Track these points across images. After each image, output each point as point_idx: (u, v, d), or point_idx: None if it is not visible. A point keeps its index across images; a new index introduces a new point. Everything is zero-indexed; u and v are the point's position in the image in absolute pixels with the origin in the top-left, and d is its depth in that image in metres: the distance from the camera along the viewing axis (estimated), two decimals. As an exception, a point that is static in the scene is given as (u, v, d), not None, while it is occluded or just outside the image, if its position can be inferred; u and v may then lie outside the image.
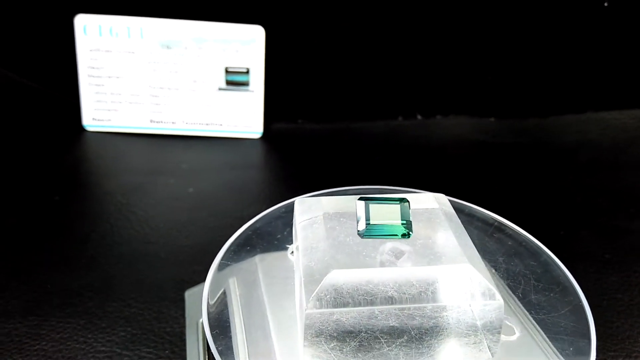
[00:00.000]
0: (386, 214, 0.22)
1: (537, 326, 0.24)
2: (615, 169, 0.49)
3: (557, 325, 0.24)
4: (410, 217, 0.22)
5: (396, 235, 0.21)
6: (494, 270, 0.26)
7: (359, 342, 0.21)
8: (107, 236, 0.38)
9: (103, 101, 0.50)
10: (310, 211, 0.24)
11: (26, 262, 0.36)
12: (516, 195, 0.45)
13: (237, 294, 0.26)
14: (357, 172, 0.48)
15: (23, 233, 0.39)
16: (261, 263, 0.27)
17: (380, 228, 0.21)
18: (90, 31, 0.48)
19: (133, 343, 0.30)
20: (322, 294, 0.20)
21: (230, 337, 0.24)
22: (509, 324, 0.24)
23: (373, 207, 0.22)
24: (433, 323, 0.21)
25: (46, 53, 0.54)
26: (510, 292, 0.25)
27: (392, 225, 0.21)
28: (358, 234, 0.22)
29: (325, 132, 0.54)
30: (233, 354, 0.23)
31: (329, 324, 0.20)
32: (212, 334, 0.22)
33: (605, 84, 0.57)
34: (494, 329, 0.21)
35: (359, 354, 0.21)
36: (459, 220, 0.24)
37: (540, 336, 0.23)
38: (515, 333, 0.23)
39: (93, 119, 0.51)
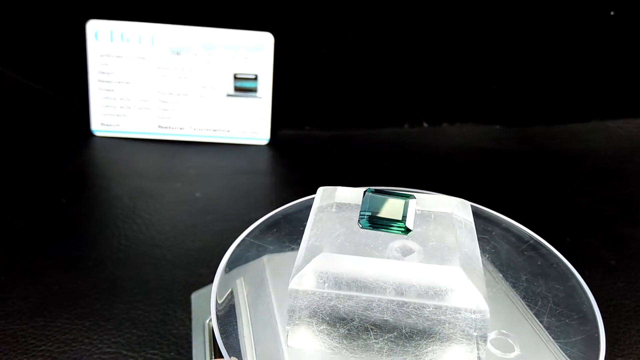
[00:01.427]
0: (389, 208, 0.22)
1: (542, 347, 0.23)
2: (621, 177, 0.49)
3: (563, 351, 0.23)
4: (414, 215, 0.22)
5: (395, 229, 0.21)
6: (507, 286, 0.25)
7: (348, 329, 0.21)
8: (114, 239, 0.38)
9: (112, 106, 0.51)
10: (330, 198, 0.24)
11: (34, 264, 0.36)
12: (522, 202, 0.45)
13: (245, 294, 0.26)
14: (364, 178, 0.48)
15: (31, 235, 0.39)
16: (269, 263, 0.27)
17: (380, 221, 0.21)
18: (102, 37, 0.49)
19: (139, 345, 0.30)
20: (308, 273, 0.20)
21: (237, 337, 0.24)
22: (511, 341, 0.23)
23: (377, 199, 0.22)
24: (428, 325, 0.20)
25: (57, 58, 0.55)
26: (522, 311, 0.24)
27: (392, 220, 0.21)
28: (358, 223, 0.22)
29: (331, 139, 0.54)
30: (240, 354, 0.23)
31: (325, 308, 0.20)
32: (220, 332, 0.23)
33: (611, 92, 0.57)
34: (483, 339, 0.21)
35: (344, 341, 0.21)
36: (474, 229, 0.23)
37: (540, 357, 0.23)
38: (514, 351, 0.22)
39: (102, 123, 0.51)
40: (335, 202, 0.24)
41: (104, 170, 0.48)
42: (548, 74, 0.57)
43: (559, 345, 0.23)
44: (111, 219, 0.41)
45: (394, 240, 0.22)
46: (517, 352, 0.22)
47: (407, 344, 0.21)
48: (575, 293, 0.24)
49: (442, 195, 0.25)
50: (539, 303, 0.24)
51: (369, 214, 0.21)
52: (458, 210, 0.24)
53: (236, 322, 0.24)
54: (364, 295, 0.20)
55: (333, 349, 0.21)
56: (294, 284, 0.21)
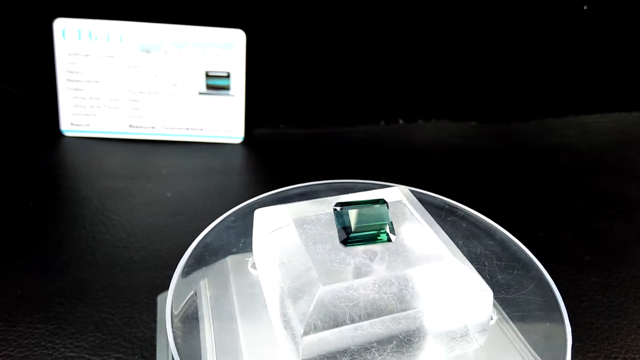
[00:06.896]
0: (366, 218, 0.21)
1: (510, 307, 0.24)
2: (595, 171, 0.49)
3: (529, 303, 0.23)
4: (390, 219, 0.21)
5: (380, 240, 0.21)
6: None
7: (350, 356, 0.20)
8: (81, 241, 0.37)
9: (81, 106, 0.50)
10: (275, 221, 0.23)
11: (-3, 267, 0.35)
12: (497, 198, 0.45)
13: (208, 295, 0.25)
14: (340, 176, 0.47)
15: (-5, 238, 0.38)
16: (232, 264, 0.26)
17: (364, 235, 0.21)
18: (70, 35, 0.48)
19: (102, 348, 0.29)
20: (316, 315, 0.19)
21: (198, 341, 0.23)
22: None
23: (352, 212, 0.21)
24: (418, 324, 0.20)
25: (24, 57, 0.54)
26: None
27: (374, 231, 0.21)
28: (341, 243, 0.21)
29: (307, 137, 0.53)
30: (201, 358, 0.22)
31: (331, 346, 0.19)
32: (175, 338, 0.22)
33: (586, 88, 0.58)
34: (482, 321, 0.21)
35: None
36: (428, 212, 0.23)
37: (515, 318, 0.23)
38: (492, 318, 0.23)
39: (71, 123, 0.50)
40: (284, 225, 0.22)
41: (73, 171, 0.47)
42: (523, 70, 0.57)
43: (523, 298, 0.23)
44: (79, 221, 0.40)
45: (354, 248, 0.21)
46: (495, 317, 0.23)
47: (410, 348, 0.20)
48: (507, 245, 0.25)
49: (382, 185, 0.25)
50: (487, 264, 0.25)
51: (349, 230, 0.20)
52: (407, 198, 0.24)
53: (198, 326, 0.23)
54: (367, 323, 0.20)
55: None
56: (308, 332, 0.19)
